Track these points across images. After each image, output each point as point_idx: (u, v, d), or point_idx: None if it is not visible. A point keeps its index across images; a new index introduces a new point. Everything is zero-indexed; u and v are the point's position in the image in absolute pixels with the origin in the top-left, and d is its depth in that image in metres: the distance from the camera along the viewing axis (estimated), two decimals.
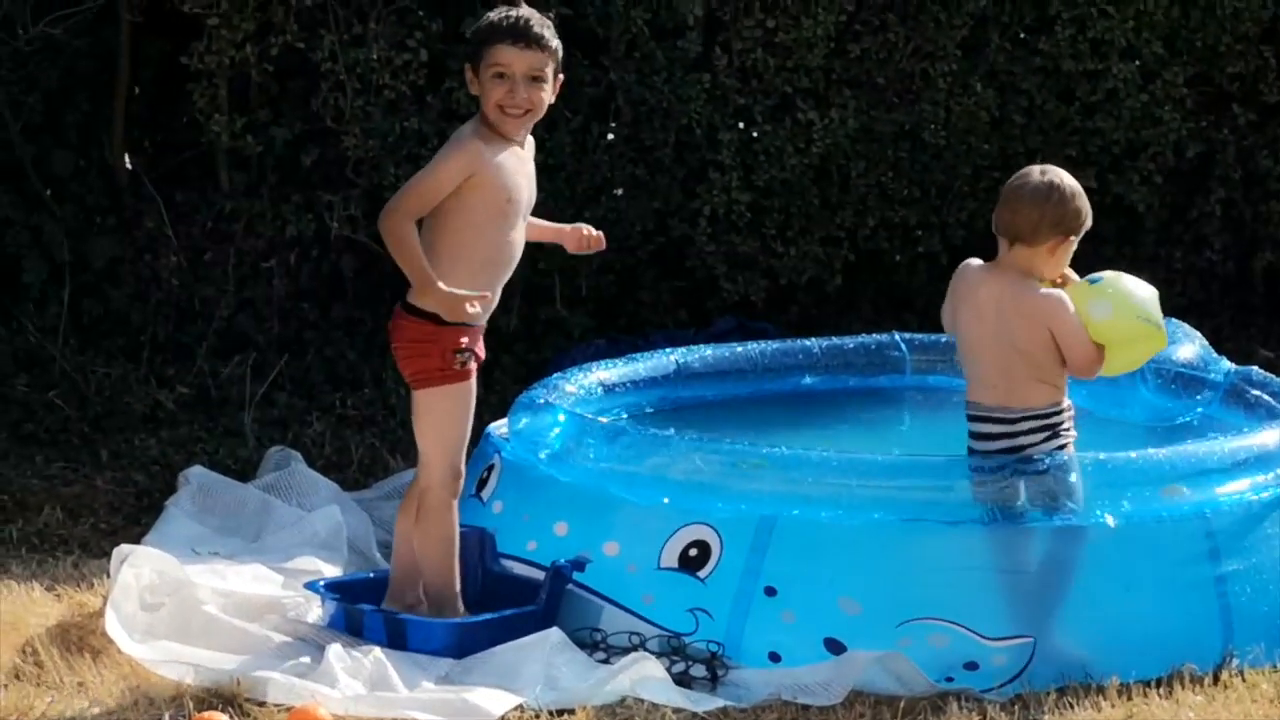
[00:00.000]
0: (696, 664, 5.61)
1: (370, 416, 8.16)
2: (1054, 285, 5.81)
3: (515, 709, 5.30)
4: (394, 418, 8.07)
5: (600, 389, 6.82)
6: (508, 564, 6.05)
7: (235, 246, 8.52)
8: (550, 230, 6.22)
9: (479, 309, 5.60)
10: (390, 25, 8.37)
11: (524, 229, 5.79)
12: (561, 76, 5.78)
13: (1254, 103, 9.45)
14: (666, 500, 5.84)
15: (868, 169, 9.03)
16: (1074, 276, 5.89)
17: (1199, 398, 6.86)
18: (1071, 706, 5.41)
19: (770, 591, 5.65)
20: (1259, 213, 9.56)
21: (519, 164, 5.74)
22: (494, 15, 5.73)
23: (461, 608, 5.79)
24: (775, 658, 5.60)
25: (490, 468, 6.36)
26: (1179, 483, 5.82)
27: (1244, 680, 5.58)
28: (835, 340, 7.52)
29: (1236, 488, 5.89)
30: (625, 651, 5.62)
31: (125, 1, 8.36)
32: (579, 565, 5.81)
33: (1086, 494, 5.71)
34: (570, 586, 5.81)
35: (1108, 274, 5.86)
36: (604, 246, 6.17)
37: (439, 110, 8.42)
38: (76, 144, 8.51)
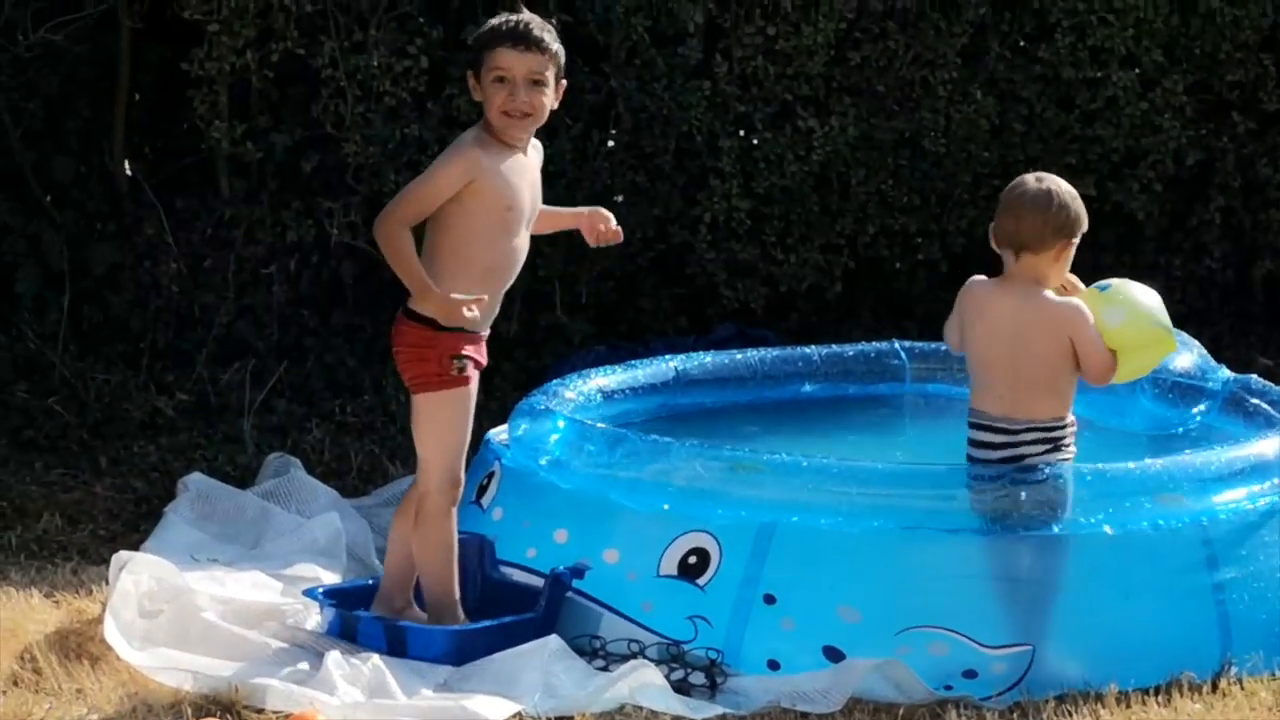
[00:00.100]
0: (695, 671, 5.61)
1: (370, 423, 8.17)
2: (1061, 291, 5.82)
3: (514, 716, 5.30)
4: (393, 425, 8.08)
5: (600, 396, 6.82)
6: (507, 571, 6.05)
7: (235, 253, 8.52)
8: (567, 217, 6.17)
9: (476, 314, 5.59)
10: (391, 32, 8.37)
11: (527, 236, 5.78)
12: (564, 82, 5.77)
13: (1254, 111, 9.45)
14: (667, 507, 5.84)
15: (868, 176, 9.03)
16: (1078, 283, 5.90)
17: (1198, 407, 6.86)
18: (1070, 715, 5.40)
19: (769, 599, 5.65)
20: (1258, 221, 9.56)
21: (521, 171, 5.73)
22: (495, 20, 5.73)
23: (461, 615, 5.78)
24: (774, 665, 5.60)
25: (490, 474, 6.36)
26: (1176, 492, 5.82)
27: (1242, 688, 5.58)
28: (835, 348, 7.52)
29: (1234, 496, 5.89)
30: (624, 659, 5.62)
31: (126, 8, 8.36)
32: (578, 572, 5.81)
33: (1079, 504, 5.71)
34: (569, 594, 5.81)
35: (1115, 281, 5.91)
36: (620, 239, 6.13)
37: (439, 117, 8.43)
38: (76, 150, 8.52)
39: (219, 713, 5.26)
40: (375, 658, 5.49)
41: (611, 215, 6.10)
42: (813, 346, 7.53)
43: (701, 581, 5.71)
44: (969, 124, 9.03)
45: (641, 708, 5.36)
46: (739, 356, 7.37)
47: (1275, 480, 5.98)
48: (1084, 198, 5.88)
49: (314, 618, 5.90)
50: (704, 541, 5.74)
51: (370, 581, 6.11)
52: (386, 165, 8.40)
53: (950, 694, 5.50)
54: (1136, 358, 5.85)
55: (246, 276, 8.55)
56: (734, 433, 6.88)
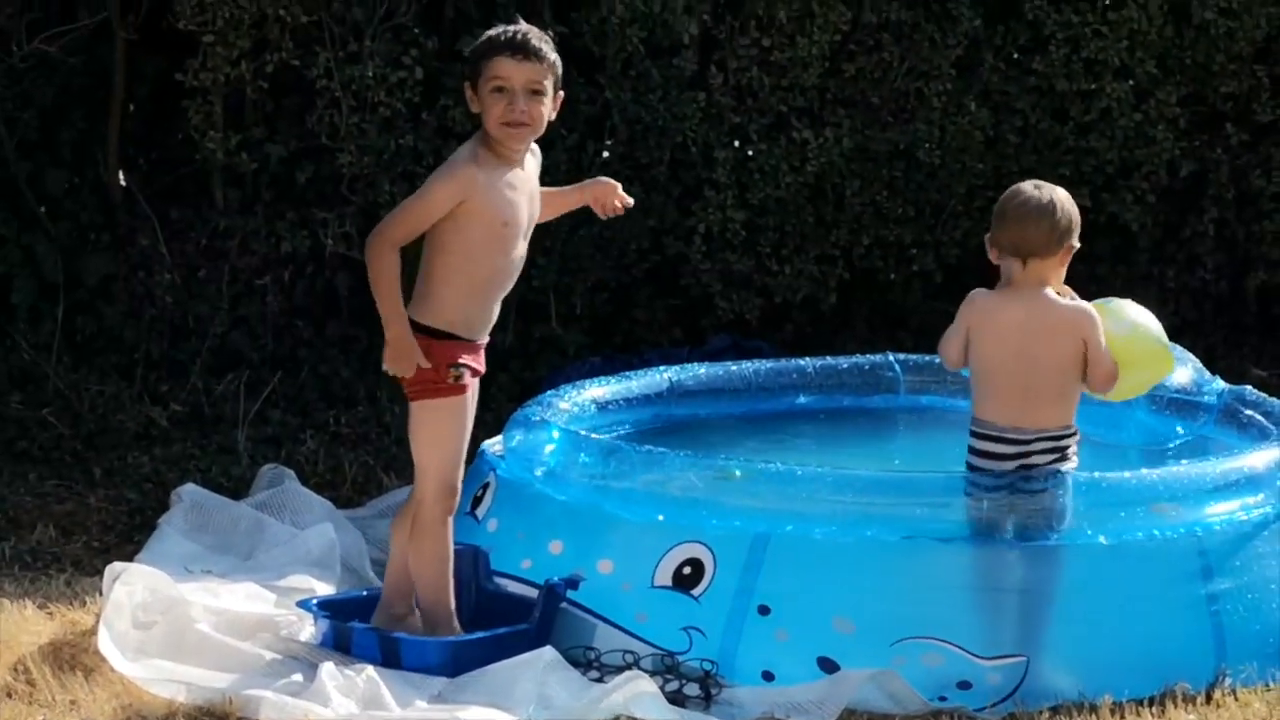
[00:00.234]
0: (690, 683, 5.61)
1: (364, 434, 8.16)
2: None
3: None
4: (388, 436, 8.07)
5: (594, 407, 6.82)
6: (502, 582, 6.05)
7: (229, 264, 8.52)
8: (573, 195, 6.10)
9: (415, 368, 5.59)
10: (386, 43, 8.37)
11: (525, 246, 5.77)
12: (562, 94, 5.77)
13: (1247, 122, 9.47)
14: (661, 518, 5.84)
15: (862, 188, 9.04)
16: (1071, 293, 5.91)
17: (1193, 419, 6.87)
18: None
19: (764, 610, 5.65)
20: (1252, 232, 9.57)
21: (518, 185, 5.71)
22: (492, 31, 5.72)
23: (456, 626, 5.78)
24: (769, 676, 5.60)
25: (485, 485, 6.36)
26: (1171, 503, 5.83)
27: (1236, 699, 5.58)
28: (829, 360, 7.53)
29: (1228, 507, 5.89)
30: (619, 670, 5.61)
31: (120, 19, 8.36)
32: (573, 583, 5.80)
33: (1078, 514, 5.71)
34: (564, 605, 5.80)
35: (1114, 300, 5.94)
36: (631, 204, 6.07)
37: (434, 128, 8.43)
38: (71, 161, 8.52)
39: None
40: (369, 669, 5.48)
41: (618, 184, 6.05)
42: (807, 359, 7.53)
43: (696, 592, 5.71)
44: (963, 135, 9.04)
45: (636, 719, 5.36)
46: (733, 368, 7.38)
47: (1269, 491, 5.99)
48: (1079, 208, 5.89)
49: (308, 629, 5.90)
50: (698, 552, 5.74)
51: (365, 593, 6.11)
52: (381, 176, 8.40)
53: (945, 705, 5.50)
54: (1137, 373, 5.87)
55: (241, 287, 8.55)
56: (728, 444, 6.88)
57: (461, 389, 5.69)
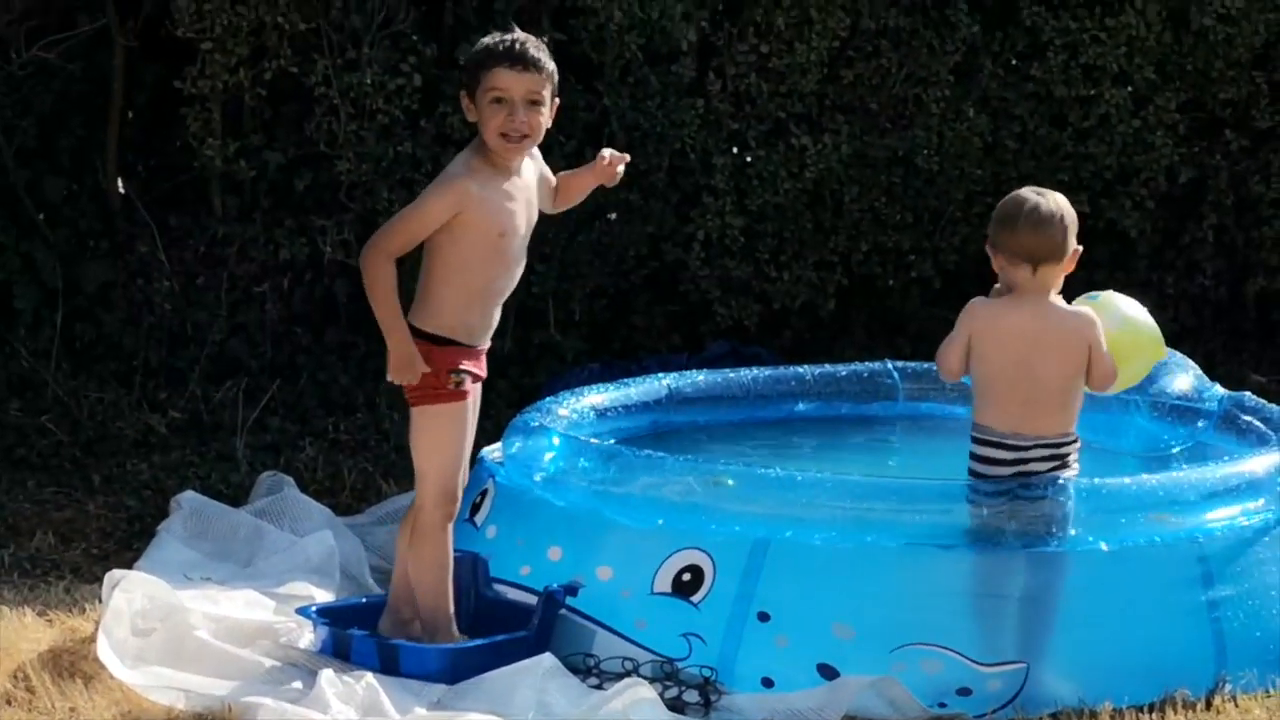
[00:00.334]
0: (690, 689, 5.60)
1: (363, 441, 8.16)
2: None
3: None
4: (387, 442, 8.07)
5: (593, 413, 6.82)
6: (501, 589, 6.04)
7: (228, 271, 8.52)
8: (587, 177, 6.00)
9: (415, 378, 5.59)
10: (384, 50, 8.38)
11: (524, 252, 5.76)
12: (558, 100, 5.77)
13: (1246, 128, 9.47)
14: (661, 522, 5.84)
15: (861, 194, 9.04)
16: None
17: (1193, 426, 6.87)
18: None
19: (763, 617, 5.64)
20: (1251, 238, 9.57)
21: (514, 193, 5.70)
22: (489, 40, 5.70)
23: (455, 632, 5.77)
24: (769, 683, 5.60)
25: (484, 492, 6.36)
26: (1171, 509, 5.83)
27: (1236, 705, 5.58)
28: (828, 367, 7.52)
29: (1228, 513, 5.89)
30: (618, 677, 5.61)
31: (119, 26, 8.37)
32: (572, 590, 5.80)
33: (1079, 520, 5.71)
34: (563, 611, 5.80)
35: (1102, 293, 5.96)
36: (629, 159, 5.99)
37: (432, 135, 8.43)
38: (69, 168, 8.52)
39: None
40: (369, 676, 5.48)
41: (612, 150, 5.95)
42: (806, 366, 7.53)
43: (696, 599, 5.70)
44: (962, 142, 9.04)
45: None
46: (732, 375, 7.37)
47: (1270, 497, 5.99)
48: (1077, 215, 5.90)
49: (307, 636, 5.89)
50: (698, 559, 5.73)
51: (364, 600, 6.11)
52: (380, 183, 8.40)
53: (945, 711, 5.50)
54: (1131, 365, 5.92)
55: (239, 294, 8.55)
56: (727, 451, 6.88)
57: (462, 395, 5.69)
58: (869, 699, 5.45)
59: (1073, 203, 5.95)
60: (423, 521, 5.74)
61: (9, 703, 5.43)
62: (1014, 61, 9.19)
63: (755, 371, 7.43)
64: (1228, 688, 5.65)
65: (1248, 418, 6.76)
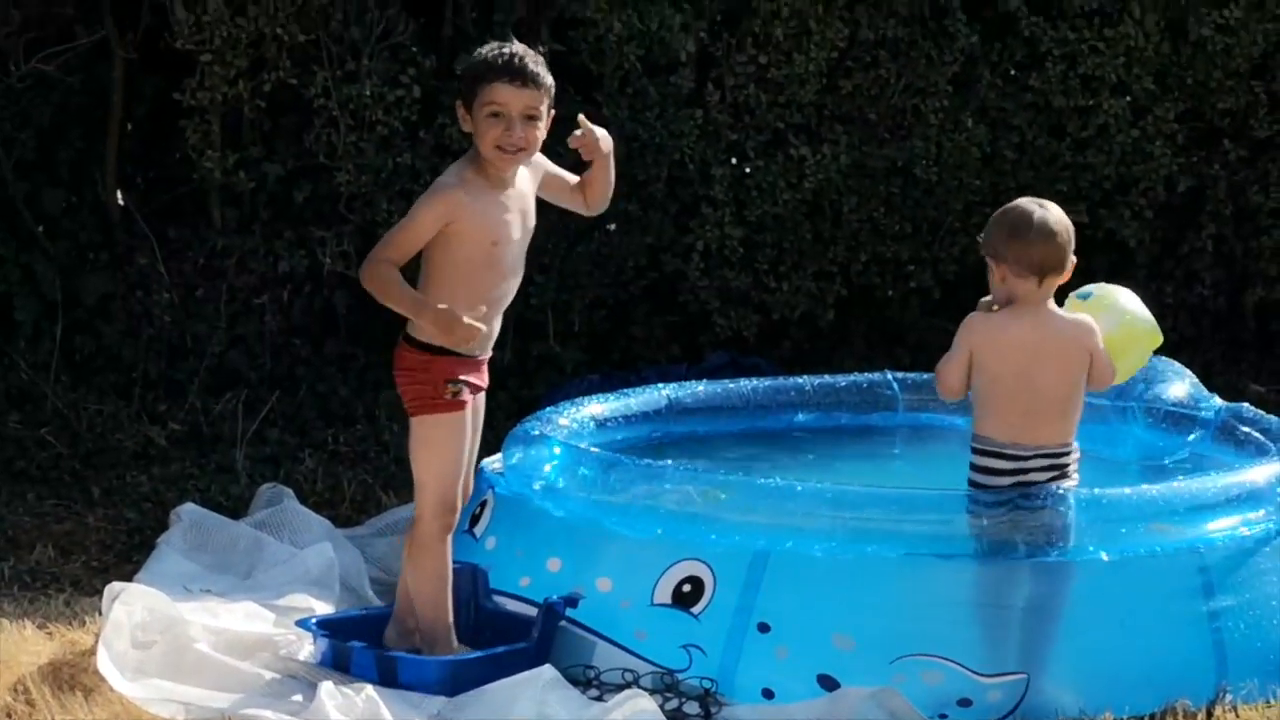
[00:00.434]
0: (690, 701, 5.60)
1: (363, 453, 8.16)
2: None
3: None
4: (386, 454, 8.07)
5: (593, 423, 6.82)
6: (500, 600, 6.04)
7: (227, 283, 8.52)
8: (596, 168, 5.89)
9: (477, 331, 5.57)
10: (383, 62, 8.38)
11: (521, 262, 5.76)
12: (554, 112, 5.77)
13: (1244, 138, 9.48)
14: (660, 532, 5.83)
15: (859, 204, 9.05)
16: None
17: (1190, 435, 6.87)
18: None
19: (764, 628, 5.64)
20: (1250, 248, 9.58)
21: (507, 203, 5.70)
22: (487, 52, 5.70)
23: (455, 644, 5.77)
24: (769, 694, 5.59)
25: (483, 503, 6.36)
26: (1172, 519, 5.83)
27: (1237, 716, 5.57)
28: (827, 378, 7.52)
29: (1229, 523, 5.89)
30: (619, 689, 5.61)
31: (118, 38, 8.37)
32: (572, 601, 5.80)
33: (1079, 530, 5.71)
34: (563, 623, 5.80)
35: (1093, 287, 6.00)
36: (597, 130, 5.86)
37: (432, 146, 8.44)
38: (69, 181, 8.52)
39: None
40: (368, 688, 5.47)
41: (588, 131, 5.85)
42: (805, 376, 7.53)
43: (696, 610, 5.70)
44: (960, 152, 9.05)
45: None
46: (731, 385, 7.38)
47: (1270, 507, 5.98)
48: (1075, 225, 5.91)
49: (307, 648, 5.89)
50: (698, 570, 5.73)
51: (364, 612, 6.11)
52: (379, 194, 8.41)
53: None
54: (1129, 359, 5.98)
55: (239, 306, 8.55)
56: (726, 461, 6.88)
57: (460, 405, 5.69)
58: (869, 710, 5.44)
59: (1071, 213, 5.97)
60: (421, 532, 5.74)
61: (9, 715, 5.42)
62: (1012, 72, 9.20)
63: (755, 382, 7.44)
64: (1228, 698, 5.64)
65: (1246, 429, 6.76)
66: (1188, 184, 9.42)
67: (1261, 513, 5.95)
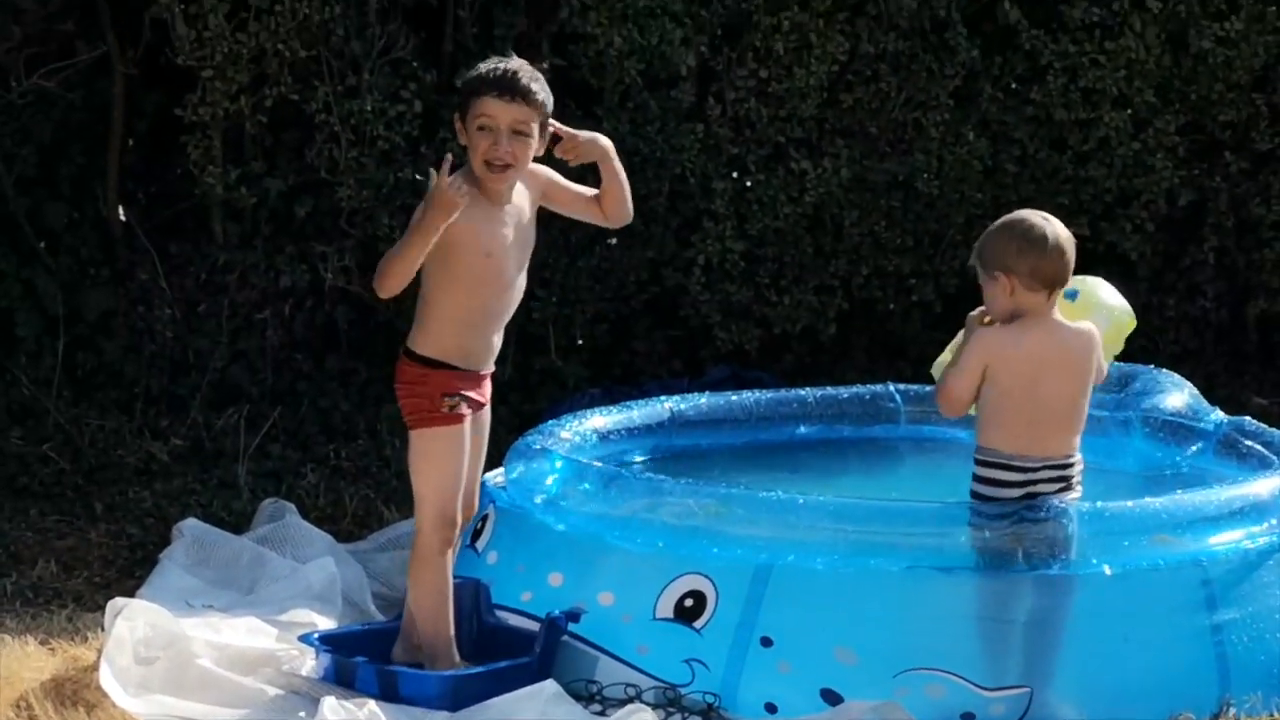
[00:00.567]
0: (693, 715, 5.60)
1: (364, 468, 8.16)
2: None
3: None
4: (388, 469, 8.07)
5: (595, 436, 6.81)
6: (502, 615, 6.04)
7: (229, 298, 8.52)
8: (609, 180, 5.91)
9: (459, 191, 5.51)
10: (384, 77, 8.39)
11: (517, 276, 5.76)
12: (551, 130, 5.77)
13: (1246, 150, 9.48)
14: (662, 546, 5.83)
15: (861, 218, 9.05)
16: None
17: (1191, 447, 6.86)
18: None
19: (766, 642, 5.64)
20: (1252, 260, 9.58)
21: (502, 216, 5.71)
22: (483, 66, 5.72)
23: (457, 659, 5.77)
24: (772, 709, 5.59)
25: (485, 517, 6.35)
26: (1174, 532, 5.82)
27: None
28: (830, 390, 7.52)
29: (1232, 537, 5.88)
30: (621, 703, 5.61)
31: (119, 54, 8.38)
32: (574, 616, 5.80)
33: (1082, 543, 5.70)
34: (565, 638, 5.79)
35: (1078, 286, 6.06)
36: (580, 134, 5.89)
37: (433, 161, 8.42)
38: (70, 196, 8.52)
39: None
40: (371, 703, 5.47)
41: (565, 135, 5.86)
42: (807, 389, 7.52)
43: (698, 624, 5.70)
44: (962, 165, 9.05)
45: None
46: (734, 398, 7.37)
47: (1273, 521, 5.98)
48: (1077, 238, 5.91)
49: (309, 663, 5.89)
50: (700, 584, 5.73)
51: (366, 627, 6.10)
52: (380, 209, 8.41)
53: None
54: (1114, 349, 6.20)
55: (240, 321, 8.55)
56: (729, 474, 6.87)
57: (458, 418, 5.69)
58: None
59: (1073, 226, 5.99)
60: (421, 546, 5.74)
61: None
62: (1013, 85, 9.20)
63: (757, 394, 7.43)
64: (1232, 711, 5.64)
65: (1248, 442, 6.76)
66: (1189, 197, 9.42)
67: (1265, 526, 5.95)
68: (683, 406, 7.21)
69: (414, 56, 8.45)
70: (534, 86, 5.65)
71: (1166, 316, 9.50)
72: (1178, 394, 6.97)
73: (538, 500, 6.20)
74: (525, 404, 8.62)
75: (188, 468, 8.04)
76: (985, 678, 5.54)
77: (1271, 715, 5.67)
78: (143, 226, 8.59)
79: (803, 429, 7.41)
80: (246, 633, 6.09)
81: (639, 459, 6.99)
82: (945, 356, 6.08)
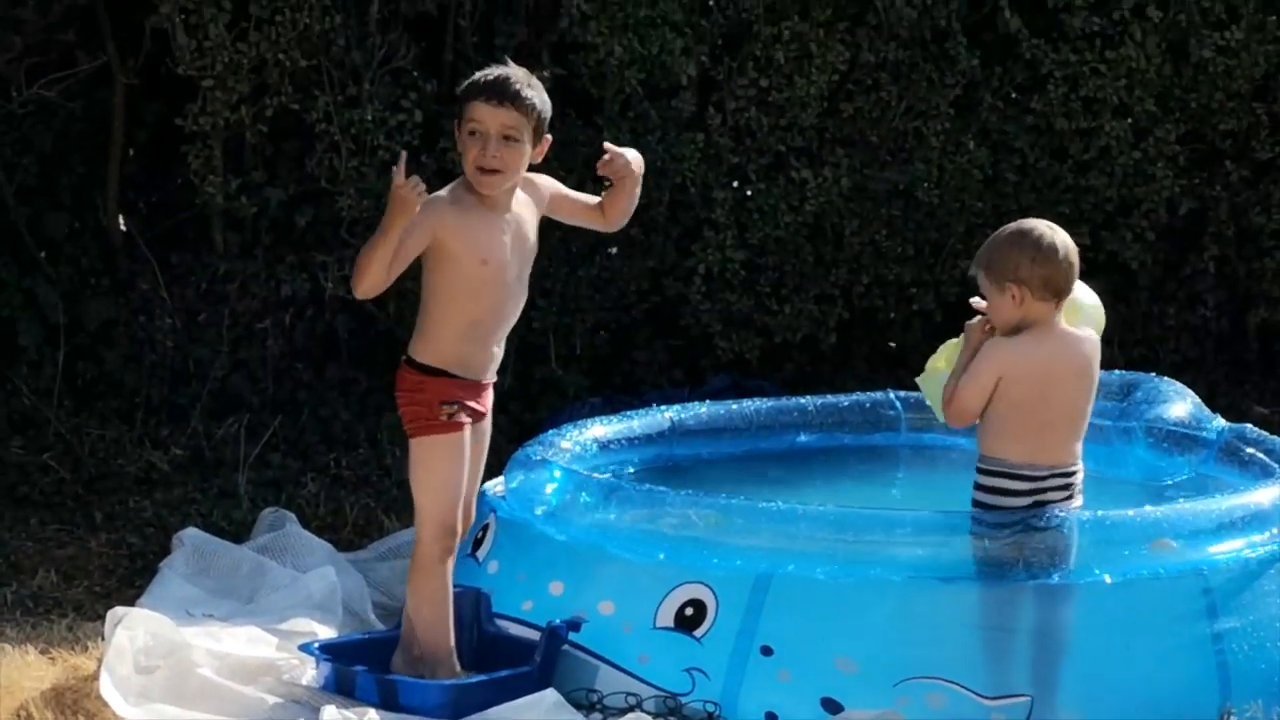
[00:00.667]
0: None
1: (365, 477, 8.16)
2: None
3: None
4: (388, 478, 8.07)
5: (595, 446, 6.81)
6: (503, 624, 6.03)
7: (230, 307, 8.52)
8: (623, 189, 5.90)
9: (414, 186, 5.51)
10: (385, 86, 8.39)
11: (517, 284, 5.76)
12: (549, 138, 5.75)
13: (1246, 159, 9.48)
14: (662, 556, 5.83)
15: (861, 227, 9.05)
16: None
17: (1193, 456, 6.86)
18: None
19: (767, 651, 5.63)
20: (1252, 269, 9.58)
21: (499, 224, 5.70)
22: (480, 72, 5.73)
23: (457, 667, 5.77)
24: (772, 718, 5.59)
25: (485, 527, 6.35)
26: (1176, 540, 5.81)
27: None
28: (830, 398, 7.52)
29: (1233, 545, 5.88)
30: (622, 712, 5.61)
31: (120, 64, 8.38)
32: (574, 625, 5.79)
33: (1083, 553, 5.70)
34: (566, 647, 5.79)
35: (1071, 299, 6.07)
36: (628, 153, 5.88)
37: (433, 170, 8.43)
38: (71, 206, 8.53)
39: None
40: (371, 712, 5.47)
41: (613, 154, 5.87)
42: (808, 397, 7.52)
43: (698, 633, 5.69)
44: (962, 174, 9.05)
45: None
46: (734, 407, 7.36)
47: (1274, 530, 5.97)
48: (1078, 247, 5.90)
49: (310, 673, 5.88)
50: (700, 593, 5.72)
51: (366, 636, 6.10)
52: (380, 219, 8.39)
53: None
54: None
55: (241, 331, 8.55)
56: (729, 483, 6.87)
57: (457, 427, 5.68)
58: None
59: (1073, 235, 5.97)
60: (421, 554, 5.74)
61: None
62: (1014, 94, 9.20)
63: (758, 403, 7.43)
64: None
65: (1250, 450, 6.75)
66: (1190, 206, 9.42)
67: (1266, 535, 5.94)
68: (683, 416, 7.20)
69: (414, 66, 8.45)
70: (526, 92, 5.62)
71: (1167, 325, 9.50)
72: (1181, 403, 6.97)
73: (538, 511, 6.20)
74: (525, 413, 8.61)
75: (188, 477, 8.04)
76: (986, 686, 5.54)
77: None
78: (143, 236, 8.59)
79: (803, 437, 7.40)
80: (247, 642, 6.09)
81: (639, 468, 6.98)
82: (937, 363, 6.03)
